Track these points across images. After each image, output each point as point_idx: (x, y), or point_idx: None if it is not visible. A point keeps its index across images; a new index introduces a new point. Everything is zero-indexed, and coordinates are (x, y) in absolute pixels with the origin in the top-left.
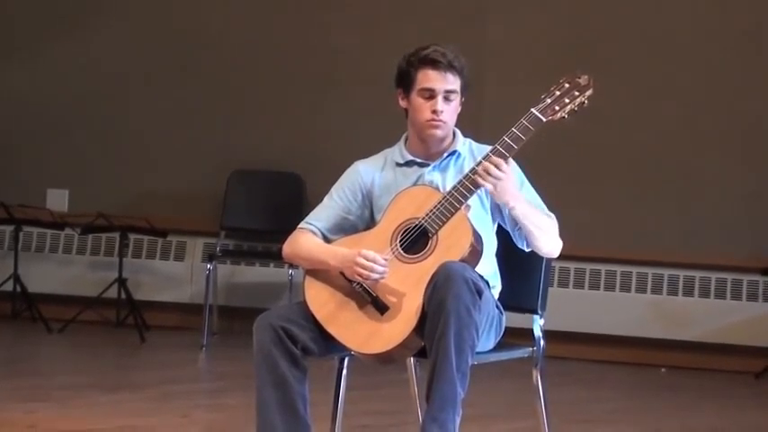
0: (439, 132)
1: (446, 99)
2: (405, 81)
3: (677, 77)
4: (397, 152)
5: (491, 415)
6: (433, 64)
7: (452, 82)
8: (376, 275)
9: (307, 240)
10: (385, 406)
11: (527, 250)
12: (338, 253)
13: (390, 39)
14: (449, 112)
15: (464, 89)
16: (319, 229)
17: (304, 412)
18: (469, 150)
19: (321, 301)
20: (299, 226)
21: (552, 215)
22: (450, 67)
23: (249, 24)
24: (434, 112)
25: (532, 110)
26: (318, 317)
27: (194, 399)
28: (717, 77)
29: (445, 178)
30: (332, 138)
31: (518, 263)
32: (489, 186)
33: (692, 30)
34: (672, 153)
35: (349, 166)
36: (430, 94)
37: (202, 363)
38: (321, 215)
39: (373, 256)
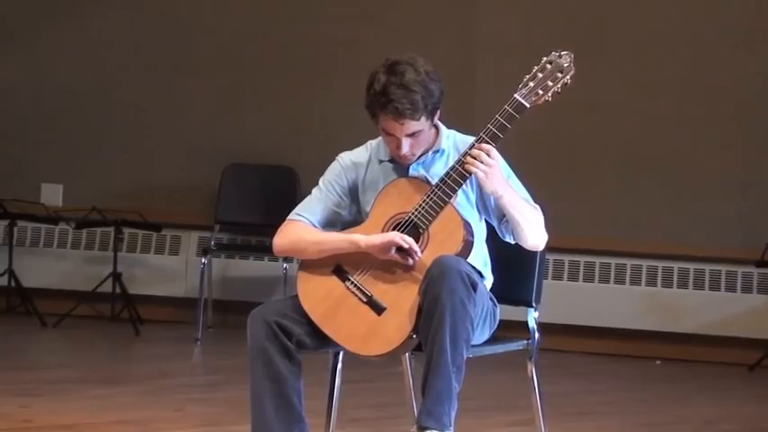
0: (407, 162)
1: (411, 136)
2: (370, 112)
3: (671, 67)
4: (381, 148)
5: (486, 408)
6: (392, 113)
7: (415, 125)
8: (411, 262)
9: (308, 228)
10: (379, 399)
11: (512, 243)
12: (360, 237)
13: (383, 30)
14: (416, 145)
15: (433, 112)
16: (311, 223)
17: (299, 406)
18: (453, 144)
19: (315, 300)
20: (290, 217)
21: (537, 207)
22: (409, 115)
23: (242, 18)
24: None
25: (516, 96)
26: (314, 318)
27: (189, 392)
28: (711, 67)
29: (429, 174)
30: (325, 131)
31: (512, 256)
32: (480, 174)
33: (684, 17)
34: (666, 144)
35: None
36: (392, 135)
37: (197, 357)
38: (313, 208)
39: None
